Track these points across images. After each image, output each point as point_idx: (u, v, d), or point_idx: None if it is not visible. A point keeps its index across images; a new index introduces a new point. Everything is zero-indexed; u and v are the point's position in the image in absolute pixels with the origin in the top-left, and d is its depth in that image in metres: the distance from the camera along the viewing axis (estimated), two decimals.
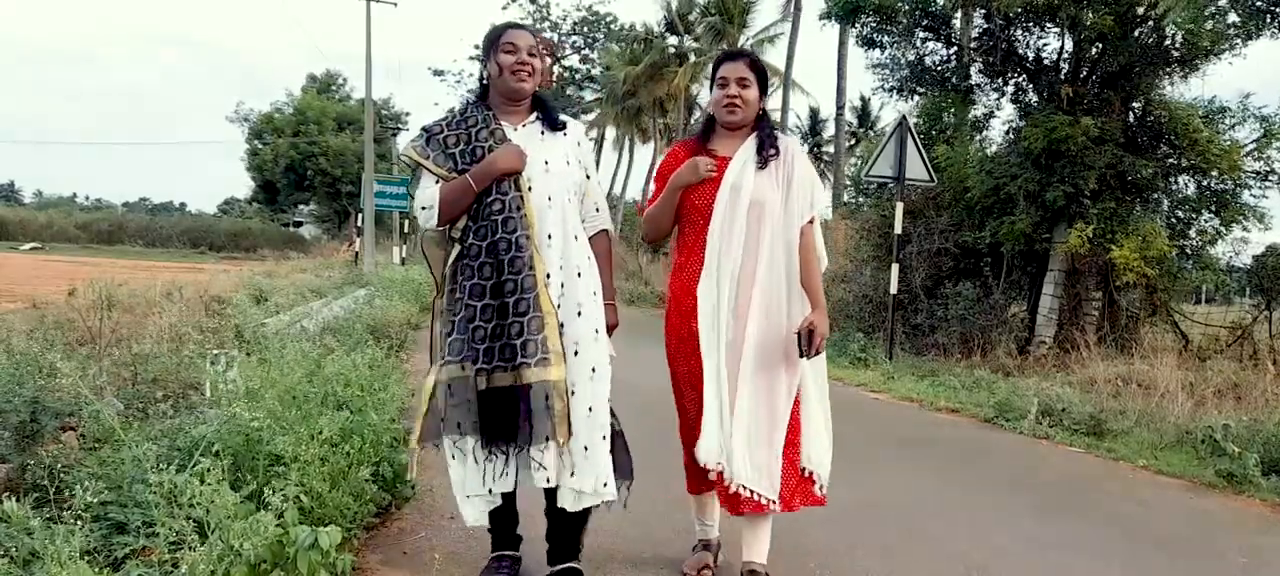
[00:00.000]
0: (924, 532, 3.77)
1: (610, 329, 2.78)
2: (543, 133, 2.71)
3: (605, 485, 2.61)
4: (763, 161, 2.77)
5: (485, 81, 2.74)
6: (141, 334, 5.52)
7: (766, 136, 2.82)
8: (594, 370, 2.65)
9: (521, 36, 2.66)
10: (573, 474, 2.59)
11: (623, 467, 2.79)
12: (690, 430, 2.80)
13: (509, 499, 2.73)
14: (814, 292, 2.78)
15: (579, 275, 2.66)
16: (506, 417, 2.56)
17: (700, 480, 2.87)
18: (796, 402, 2.78)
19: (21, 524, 2.26)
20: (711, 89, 2.89)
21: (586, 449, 2.61)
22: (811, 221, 2.82)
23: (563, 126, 2.74)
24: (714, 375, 2.71)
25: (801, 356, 2.69)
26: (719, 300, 2.72)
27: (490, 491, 2.62)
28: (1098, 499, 4.61)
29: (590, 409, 2.63)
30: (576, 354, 2.62)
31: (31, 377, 3.71)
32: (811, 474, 2.81)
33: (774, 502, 2.70)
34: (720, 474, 2.70)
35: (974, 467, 5.28)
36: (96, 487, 2.42)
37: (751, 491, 2.69)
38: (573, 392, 2.60)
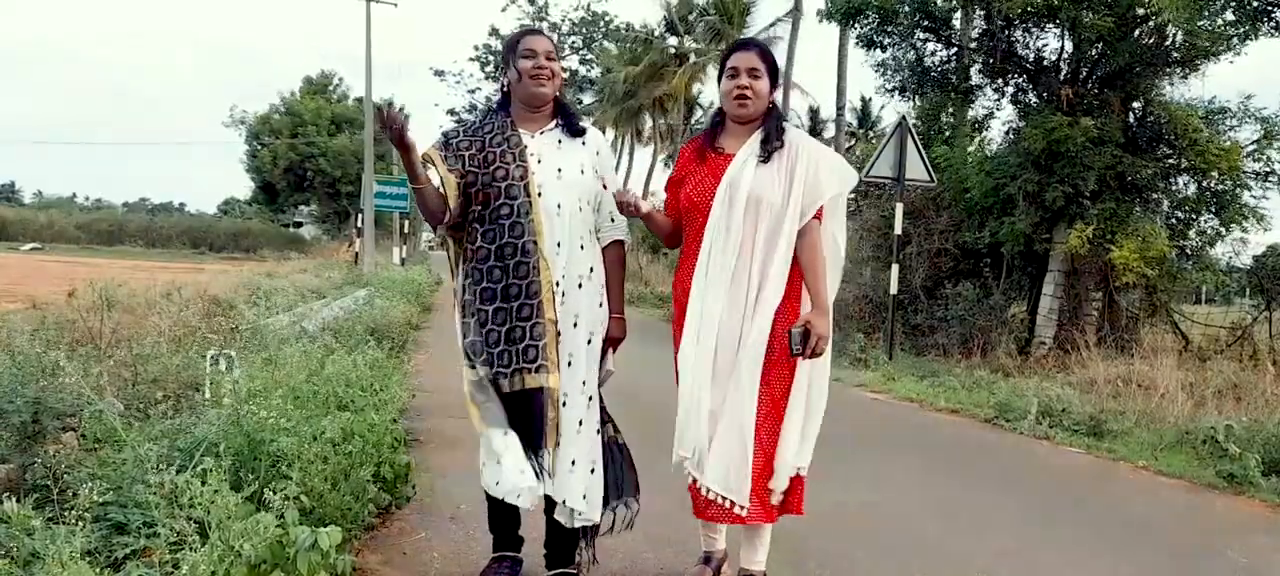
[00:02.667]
0: (924, 533, 3.77)
1: (615, 343, 2.77)
2: (561, 140, 2.70)
3: (583, 510, 2.62)
4: (765, 155, 2.66)
5: (506, 88, 2.73)
6: (141, 334, 5.51)
7: (773, 129, 2.70)
8: (589, 396, 2.66)
9: (540, 42, 2.65)
10: (565, 493, 2.61)
11: (628, 483, 2.79)
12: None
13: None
14: (815, 291, 2.65)
15: (580, 286, 2.65)
16: (525, 419, 2.57)
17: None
18: (783, 409, 2.66)
19: (22, 524, 2.26)
20: (720, 80, 2.76)
21: (573, 463, 2.61)
22: (818, 216, 2.68)
23: (582, 133, 2.73)
24: (692, 372, 2.62)
25: (796, 356, 2.59)
26: (705, 298, 2.62)
27: (522, 472, 2.58)
28: (1098, 499, 4.61)
29: (580, 422, 2.63)
30: (569, 364, 2.61)
31: (34, 378, 3.70)
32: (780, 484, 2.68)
33: (743, 508, 2.60)
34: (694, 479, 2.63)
35: (974, 468, 5.28)
36: (97, 488, 2.42)
37: (720, 496, 2.60)
38: (567, 405, 2.60)
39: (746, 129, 2.74)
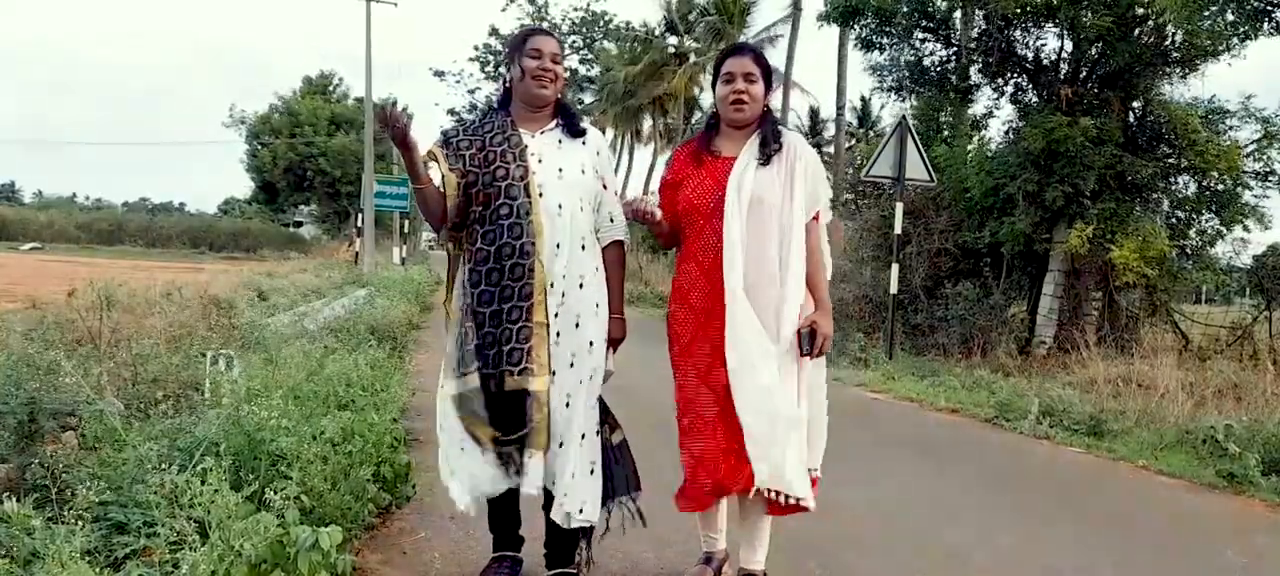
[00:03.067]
0: (925, 533, 3.77)
1: (615, 343, 2.76)
2: (561, 140, 2.70)
3: (582, 511, 2.62)
4: (765, 158, 2.69)
5: (508, 84, 2.73)
6: (141, 334, 5.51)
7: (770, 132, 2.74)
8: (592, 395, 2.66)
9: (547, 43, 2.65)
10: (565, 493, 2.60)
11: (628, 480, 2.79)
12: (692, 435, 2.71)
13: (512, 499, 2.73)
14: (817, 291, 2.70)
15: (581, 286, 2.64)
16: (515, 422, 2.57)
17: (698, 496, 2.74)
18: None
19: (22, 524, 2.26)
20: (715, 85, 2.79)
21: (573, 475, 2.61)
22: (816, 218, 2.74)
23: (583, 133, 2.73)
24: (759, 377, 2.59)
25: (804, 356, 2.63)
26: (737, 305, 2.61)
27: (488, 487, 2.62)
28: (1098, 499, 4.61)
29: (583, 436, 2.62)
30: (572, 365, 2.61)
31: (32, 378, 3.70)
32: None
33: (799, 499, 2.63)
34: (722, 484, 2.62)
35: (974, 467, 5.28)
36: (97, 487, 2.42)
37: (772, 491, 2.61)
38: (568, 406, 2.60)
39: (743, 133, 2.77)
